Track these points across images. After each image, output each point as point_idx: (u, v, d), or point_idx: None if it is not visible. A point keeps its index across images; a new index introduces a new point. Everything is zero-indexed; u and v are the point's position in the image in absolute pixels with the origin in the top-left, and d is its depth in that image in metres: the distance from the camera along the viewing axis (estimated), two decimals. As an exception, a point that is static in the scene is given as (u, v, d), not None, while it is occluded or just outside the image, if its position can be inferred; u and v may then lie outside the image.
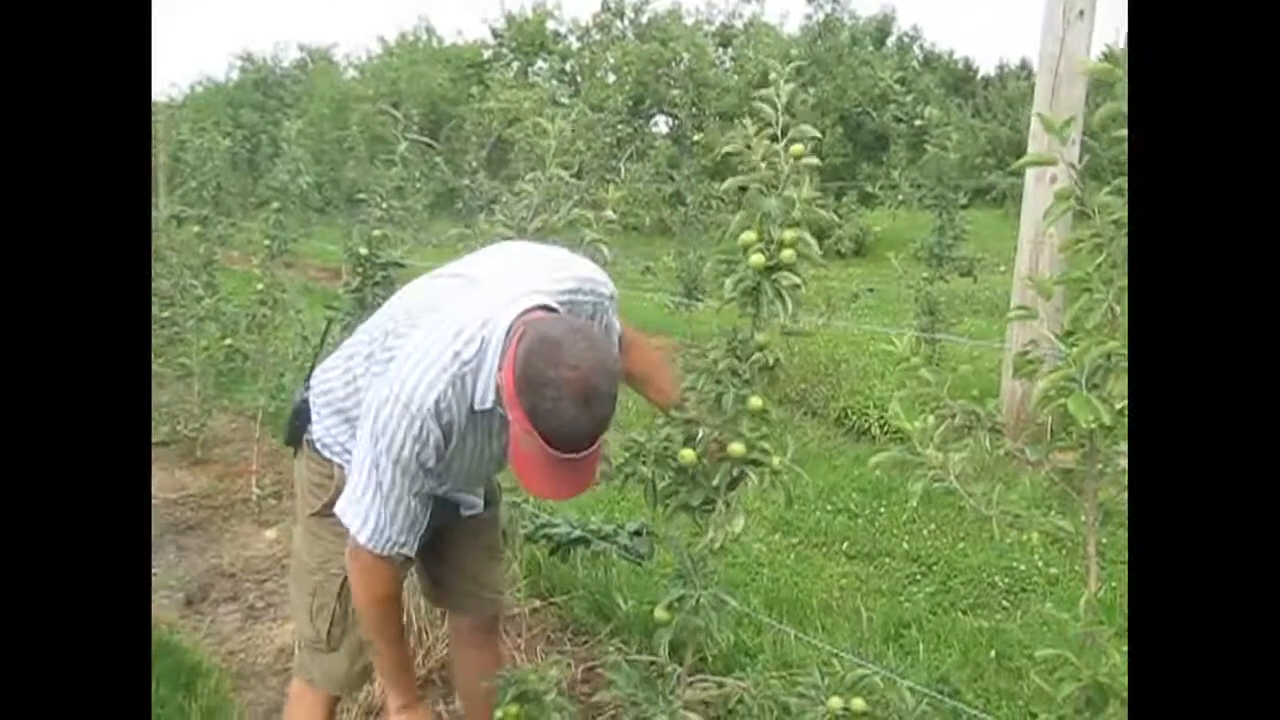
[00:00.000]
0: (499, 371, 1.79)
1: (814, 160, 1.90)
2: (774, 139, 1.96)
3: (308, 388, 2.23)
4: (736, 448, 2.04)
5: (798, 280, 1.93)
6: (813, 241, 1.90)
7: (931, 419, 1.65)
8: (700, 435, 2.09)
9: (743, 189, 2.02)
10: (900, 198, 7.27)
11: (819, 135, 1.87)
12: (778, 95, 1.89)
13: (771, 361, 2.05)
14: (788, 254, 1.91)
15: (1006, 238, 6.83)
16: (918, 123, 6.99)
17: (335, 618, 2.25)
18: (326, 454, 2.17)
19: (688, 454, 2.08)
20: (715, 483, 2.07)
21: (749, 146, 1.93)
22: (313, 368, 2.28)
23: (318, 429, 2.19)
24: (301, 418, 2.22)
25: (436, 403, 1.81)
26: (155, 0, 1.45)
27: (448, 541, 2.23)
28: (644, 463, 2.08)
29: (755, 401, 2.03)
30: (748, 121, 1.94)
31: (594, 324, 1.97)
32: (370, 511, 1.90)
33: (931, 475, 1.65)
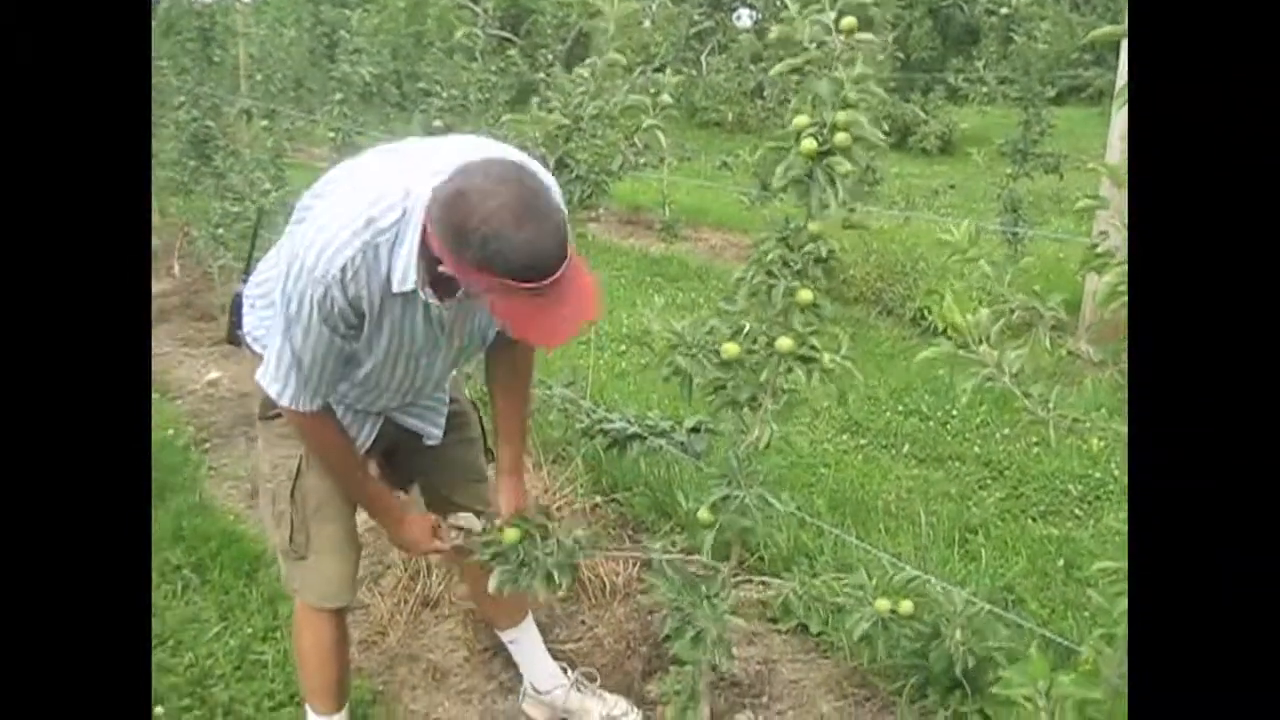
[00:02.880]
0: (428, 250, 1.68)
1: (868, 35, 1.75)
2: (827, 29, 1.82)
3: (244, 281, 2.14)
4: (784, 342, 1.93)
5: (850, 166, 1.80)
6: (866, 122, 1.76)
7: (985, 313, 1.54)
8: (746, 329, 1.99)
9: (798, 73, 1.89)
10: (985, 91, 6.95)
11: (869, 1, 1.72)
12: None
13: (825, 253, 1.93)
14: (841, 137, 1.78)
15: (1102, 136, 6.53)
16: (1003, 11, 6.64)
17: (295, 525, 2.17)
18: (257, 348, 2.08)
19: (731, 348, 1.99)
20: (763, 379, 1.99)
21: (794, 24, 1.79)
22: (249, 260, 2.18)
23: (249, 321, 2.11)
24: (236, 313, 2.14)
25: (343, 270, 1.69)
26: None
27: (427, 474, 2.16)
28: (683, 355, 1.99)
29: (805, 295, 1.92)
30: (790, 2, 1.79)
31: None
32: (289, 376, 1.86)
33: (984, 374, 1.54)
